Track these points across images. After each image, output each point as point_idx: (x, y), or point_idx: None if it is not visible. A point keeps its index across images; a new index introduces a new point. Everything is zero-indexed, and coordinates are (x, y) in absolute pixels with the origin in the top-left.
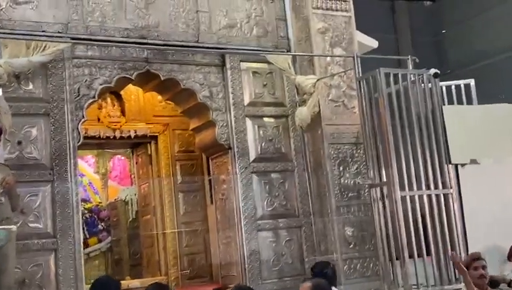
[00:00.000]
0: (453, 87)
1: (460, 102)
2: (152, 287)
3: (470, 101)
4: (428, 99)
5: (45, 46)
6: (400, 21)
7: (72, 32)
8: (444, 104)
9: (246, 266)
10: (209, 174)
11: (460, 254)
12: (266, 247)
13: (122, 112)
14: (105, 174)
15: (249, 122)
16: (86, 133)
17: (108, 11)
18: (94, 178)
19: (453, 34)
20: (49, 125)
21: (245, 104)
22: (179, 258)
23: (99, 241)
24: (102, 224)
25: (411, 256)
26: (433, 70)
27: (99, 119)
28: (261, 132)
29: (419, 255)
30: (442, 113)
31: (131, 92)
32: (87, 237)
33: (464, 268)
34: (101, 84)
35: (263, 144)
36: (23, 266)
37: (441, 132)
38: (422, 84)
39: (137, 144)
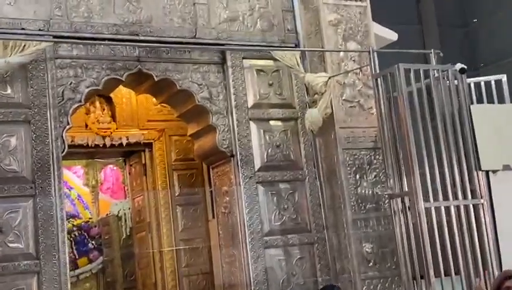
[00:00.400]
0: (482, 83)
1: (490, 100)
2: None
3: (501, 99)
4: (454, 97)
5: (24, 46)
6: (425, 10)
7: (55, 30)
8: (472, 103)
9: (253, 288)
10: (210, 185)
11: (493, 271)
12: (275, 266)
13: (113, 117)
14: (95, 187)
15: (253, 127)
16: (72, 141)
17: (95, 6)
18: (83, 191)
19: (484, 24)
20: (30, 134)
21: (249, 106)
22: (177, 279)
23: (90, 261)
24: (93, 242)
25: (437, 275)
26: (459, 66)
27: (87, 126)
28: (267, 137)
29: (447, 273)
30: (470, 113)
31: (123, 94)
32: (77, 257)
33: None
34: (87, 87)
35: (270, 151)
36: None
37: (469, 134)
38: (448, 81)
39: (130, 152)
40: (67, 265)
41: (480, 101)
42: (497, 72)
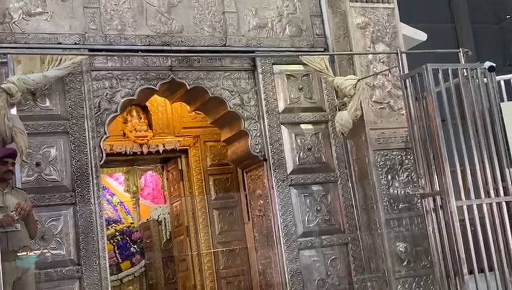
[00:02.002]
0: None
1: None
2: None
3: None
4: (484, 96)
5: (61, 60)
6: (458, 8)
7: (90, 43)
8: (503, 101)
9: (288, 288)
10: (244, 188)
11: None
12: (309, 267)
13: (149, 125)
14: (136, 193)
15: (284, 131)
16: (111, 149)
17: (127, 18)
18: (125, 197)
19: None
20: (69, 144)
21: (280, 110)
22: (216, 281)
23: (133, 265)
24: (135, 246)
25: (471, 272)
26: (488, 64)
27: (124, 134)
28: (298, 141)
29: (481, 271)
30: (501, 111)
31: (158, 103)
32: (120, 261)
33: None
34: (123, 97)
35: (301, 154)
36: None
37: (499, 132)
38: (477, 80)
39: (167, 159)
40: (108, 270)
41: (510, 98)
42: None
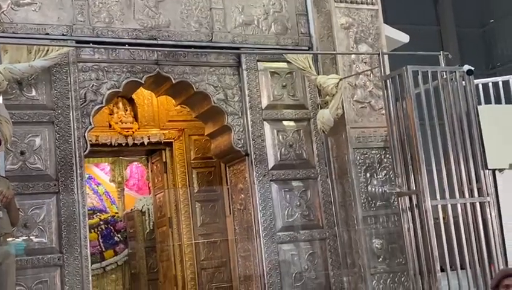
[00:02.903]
0: (490, 84)
1: (498, 101)
2: None
3: (509, 100)
4: (462, 98)
5: (48, 50)
6: (443, 11)
7: (78, 35)
8: (480, 104)
9: (266, 281)
10: (227, 182)
11: (498, 266)
12: (288, 261)
13: (135, 118)
14: (121, 183)
15: (267, 127)
16: (96, 140)
17: (115, 11)
18: (110, 187)
19: (501, 24)
20: (54, 134)
21: (263, 107)
22: (196, 272)
23: (116, 254)
24: (119, 236)
25: (443, 269)
26: (466, 67)
27: (110, 126)
28: (280, 137)
29: (453, 268)
30: (478, 114)
31: (144, 96)
32: (103, 249)
33: None
34: (108, 89)
35: (283, 150)
36: (26, 283)
37: (476, 134)
38: (455, 83)
39: (151, 151)
40: (89, 259)
41: (487, 101)
42: None
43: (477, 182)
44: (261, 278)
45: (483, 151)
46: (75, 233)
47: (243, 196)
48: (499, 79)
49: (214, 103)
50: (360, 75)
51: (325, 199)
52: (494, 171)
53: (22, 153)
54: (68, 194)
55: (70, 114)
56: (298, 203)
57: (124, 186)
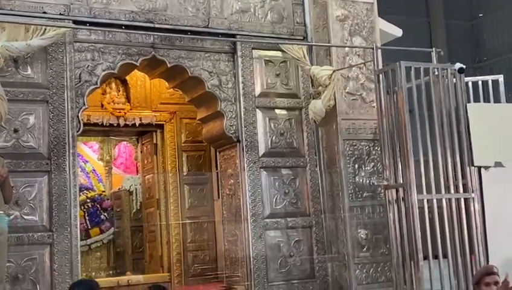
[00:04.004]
0: (479, 83)
1: (487, 99)
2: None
3: (497, 99)
4: (452, 95)
5: (45, 29)
6: (433, 4)
7: (75, 14)
8: (469, 102)
9: (252, 265)
10: (216, 167)
11: (479, 257)
12: (274, 247)
13: (127, 99)
14: (109, 162)
15: (259, 114)
16: (88, 119)
17: None
18: (98, 165)
19: (490, 19)
20: (48, 113)
21: (256, 94)
22: (182, 253)
23: (102, 232)
24: (105, 214)
25: (426, 258)
26: (458, 65)
27: (102, 106)
28: (272, 125)
29: (435, 257)
30: (467, 111)
31: (137, 77)
32: (89, 227)
33: None
34: (104, 70)
35: (274, 138)
36: (16, 260)
37: (464, 131)
38: (447, 80)
39: (142, 132)
40: (79, 238)
41: (477, 99)
42: (500, 67)
43: (462, 178)
44: (247, 262)
45: (470, 148)
46: (65, 212)
47: (232, 181)
48: (489, 78)
49: (208, 88)
50: (353, 68)
51: (313, 187)
52: (479, 168)
53: (16, 130)
54: (60, 173)
55: (65, 94)
56: (286, 191)
57: (111, 165)
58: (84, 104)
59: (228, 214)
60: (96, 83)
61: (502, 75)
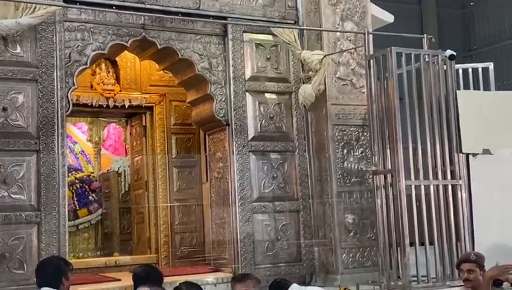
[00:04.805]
0: (470, 70)
1: (477, 87)
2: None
3: (487, 87)
4: (442, 82)
5: (35, 8)
6: None
7: None
8: (459, 89)
9: (239, 248)
10: (205, 150)
11: (465, 244)
12: (261, 230)
13: (117, 80)
14: (98, 143)
15: (249, 98)
16: (77, 100)
17: None
18: (87, 146)
19: (481, 7)
20: (37, 92)
21: (246, 78)
22: (170, 235)
23: (90, 213)
24: (93, 195)
25: (412, 244)
26: (449, 52)
27: (92, 86)
28: (261, 109)
29: (422, 243)
30: (456, 98)
31: (127, 58)
32: (77, 208)
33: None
34: (93, 51)
35: (263, 122)
36: (3, 239)
37: (453, 118)
38: (437, 66)
39: (132, 114)
40: (66, 218)
41: (467, 87)
42: (490, 55)
43: (450, 165)
44: (234, 245)
45: (459, 135)
46: (53, 192)
47: (221, 164)
48: (479, 65)
49: (198, 71)
50: (344, 53)
51: (301, 172)
52: (467, 155)
53: (4, 109)
54: (49, 153)
55: (54, 73)
56: (275, 175)
57: (100, 146)
58: (74, 84)
59: (216, 197)
60: (86, 63)
61: (492, 63)
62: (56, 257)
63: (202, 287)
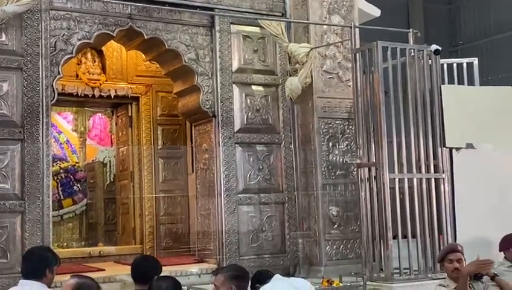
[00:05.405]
0: (454, 65)
1: (462, 82)
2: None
3: (471, 82)
4: (427, 77)
5: None
6: None
7: None
8: (444, 83)
9: (224, 240)
10: (191, 141)
11: (447, 237)
12: (246, 222)
13: (103, 70)
14: (83, 133)
15: (236, 90)
16: (62, 89)
17: None
18: (72, 136)
19: (467, 3)
20: (22, 81)
21: (233, 70)
22: (155, 226)
23: (74, 203)
24: (78, 185)
25: (395, 237)
26: (434, 47)
27: (77, 76)
28: (248, 101)
29: (404, 236)
30: (441, 93)
31: (114, 48)
32: (62, 197)
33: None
34: (79, 40)
35: (250, 114)
36: None
37: (437, 112)
38: (422, 61)
39: (117, 104)
40: (51, 207)
41: (451, 82)
42: (475, 51)
43: (434, 158)
44: (219, 236)
45: (443, 129)
46: (38, 181)
47: (207, 156)
48: (464, 60)
49: (185, 62)
50: (330, 46)
51: (287, 164)
52: (451, 149)
53: None
54: (33, 142)
55: (40, 62)
56: (261, 167)
57: (86, 136)
58: (59, 73)
59: (202, 189)
60: (72, 52)
61: (477, 58)
62: (45, 248)
63: (187, 277)
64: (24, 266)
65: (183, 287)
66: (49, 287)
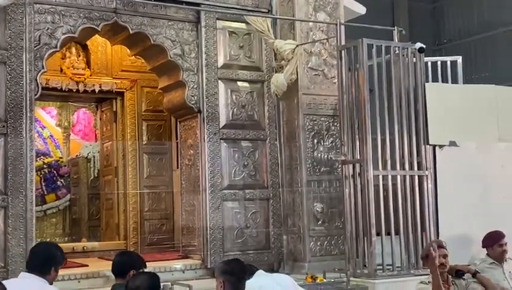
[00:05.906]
0: (438, 63)
1: (445, 80)
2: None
3: (455, 80)
4: (412, 74)
5: None
6: None
7: None
8: (428, 81)
9: (208, 237)
10: (176, 137)
11: (430, 234)
12: (231, 218)
13: (88, 64)
14: (67, 128)
15: (221, 86)
16: (46, 83)
17: None
18: (56, 131)
19: (451, 2)
20: (5, 75)
21: (218, 65)
22: (139, 222)
23: (58, 198)
24: (62, 181)
25: (379, 234)
26: (418, 45)
27: (61, 70)
28: (233, 97)
29: (388, 233)
30: (425, 91)
31: (98, 43)
32: (45, 193)
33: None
34: (64, 34)
35: (235, 110)
36: None
37: (421, 110)
38: (407, 59)
39: (102, 99)
40: (34, 202)
41: (435, 80)
42: (459, 50)
43: (417, 156)
44: (204, 232)
45: (426, 127)
46: (21, 176)
47: (192, 151)
48: (448, 59)
49: (170, 57)
50: (316, 43)
51: (272, 161)
52: (434, 147)
53: None
54: (16, 136)
55: (23, 56)
56: (246, 163)
57: (70, 131)
58: (43, 68)
59: (187, 184)
60: (56, 46)
61: (461, 57)
62: (55, 246)
63: (171, 273)
64: (31, 259)
65: (166, 283)
66: (51, 284)
